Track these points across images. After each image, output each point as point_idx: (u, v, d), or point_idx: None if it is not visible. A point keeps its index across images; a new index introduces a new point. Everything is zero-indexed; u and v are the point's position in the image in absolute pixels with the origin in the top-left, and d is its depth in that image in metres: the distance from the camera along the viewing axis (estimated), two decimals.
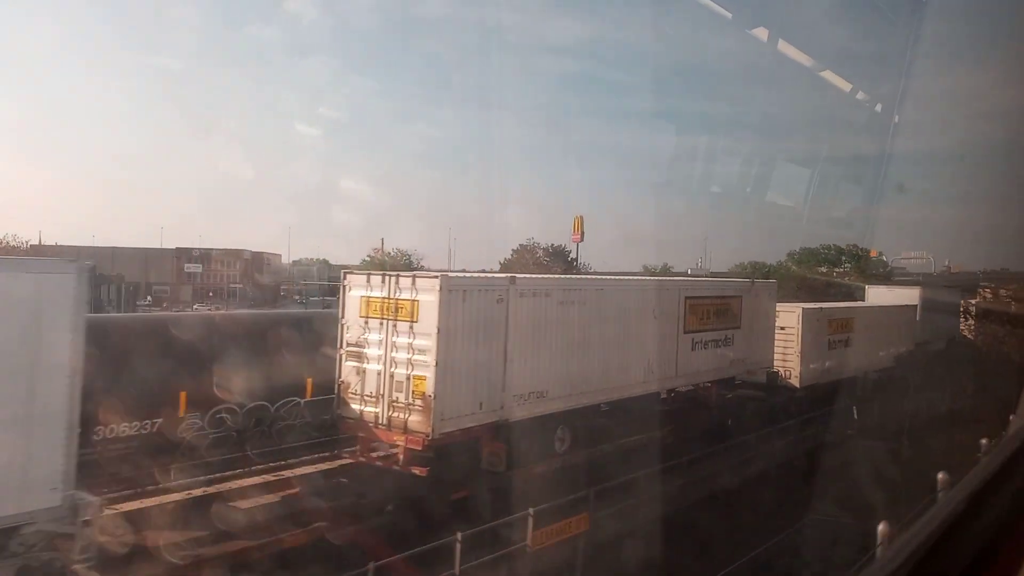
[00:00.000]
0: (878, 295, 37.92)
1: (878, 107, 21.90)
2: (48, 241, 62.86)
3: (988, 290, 36.79)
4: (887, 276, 54.03)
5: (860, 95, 21.04)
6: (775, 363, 24.39)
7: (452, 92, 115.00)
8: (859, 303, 37.09)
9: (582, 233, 64.18)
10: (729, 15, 17.30)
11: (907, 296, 36.07)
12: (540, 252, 48.68)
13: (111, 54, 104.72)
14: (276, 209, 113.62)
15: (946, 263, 63.18)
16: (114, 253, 64.08)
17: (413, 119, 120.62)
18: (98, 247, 65.27)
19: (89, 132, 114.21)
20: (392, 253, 53.98)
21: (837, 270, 53.32)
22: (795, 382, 24.61)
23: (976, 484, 2.68)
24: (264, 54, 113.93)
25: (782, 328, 24.37)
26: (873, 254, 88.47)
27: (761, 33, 16.03)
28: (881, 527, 9.14)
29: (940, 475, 10.77)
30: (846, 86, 19.46)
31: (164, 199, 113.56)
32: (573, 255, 52.61)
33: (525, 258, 47.77)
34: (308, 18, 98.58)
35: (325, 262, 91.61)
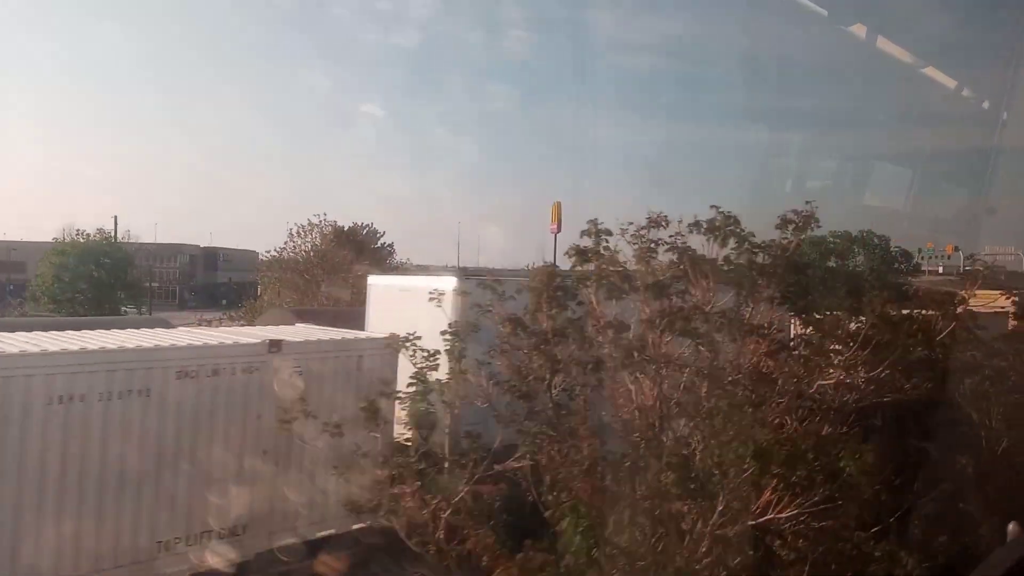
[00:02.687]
0: (387, 296, 16.42)
1: (985, 103, 20.03)
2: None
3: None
4: (910, 271, 46.15)
5: (966, 91, 19.87)
6: None
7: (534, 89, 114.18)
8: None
9: (559, 223, 57.30)
10: (825, 12, 16.90)
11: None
12: (330, 234, 36.02)
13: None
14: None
15: None
16: (39, 248, 58.28)
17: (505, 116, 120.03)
18: (26, 242, 59.95)
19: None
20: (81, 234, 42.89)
21: (848, 264, 45.71)
22: None
23: None
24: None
25: None
26: (949, 250, 79.25)
27: (859, 30, 15.89)
28: (1011, 527, 7.13)
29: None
30: (950, 82, 18.80)
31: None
32: (386, 241, 40.31)
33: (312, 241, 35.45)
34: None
35: None
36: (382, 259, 37.18)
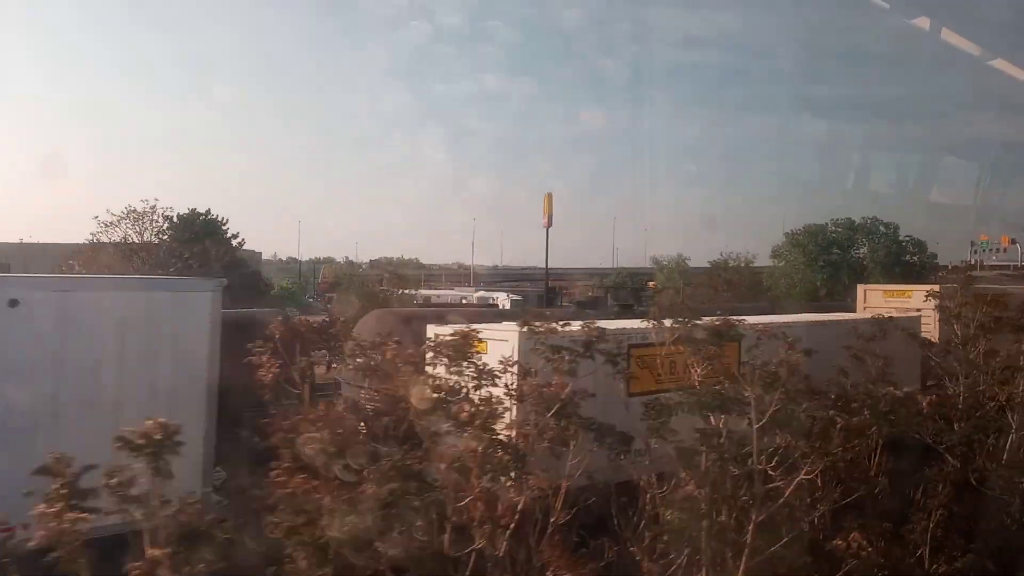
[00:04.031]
0: None
1: None
2: None
3: None
4: (927, 264, 40.26)
5: None
6: None
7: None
8: None
9: (550, 216, 53.00)
10: (887, 5, 18.26)
11: None
12: (161, 222, 31.25)
13: None
14: None
15: None
16: (44, 250, 58.97)
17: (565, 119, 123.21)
18: (30, 244, 60.96)
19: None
20: None
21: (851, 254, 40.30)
22: None
23: None
24: None
25: None
26: (1005, 242, 72.00)
27: (923, 23, 15.92)
28: None
29: None
30: (1021, 73, 18.43)
31: None
32: (234, 233, 35.56)
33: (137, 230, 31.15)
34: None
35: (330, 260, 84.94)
36: (228, 251, 33.40)
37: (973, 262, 74.87)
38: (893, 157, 46.75)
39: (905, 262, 38.84)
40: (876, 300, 19.13)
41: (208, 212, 33.73)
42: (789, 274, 37.85)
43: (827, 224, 39.76)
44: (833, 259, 38.90)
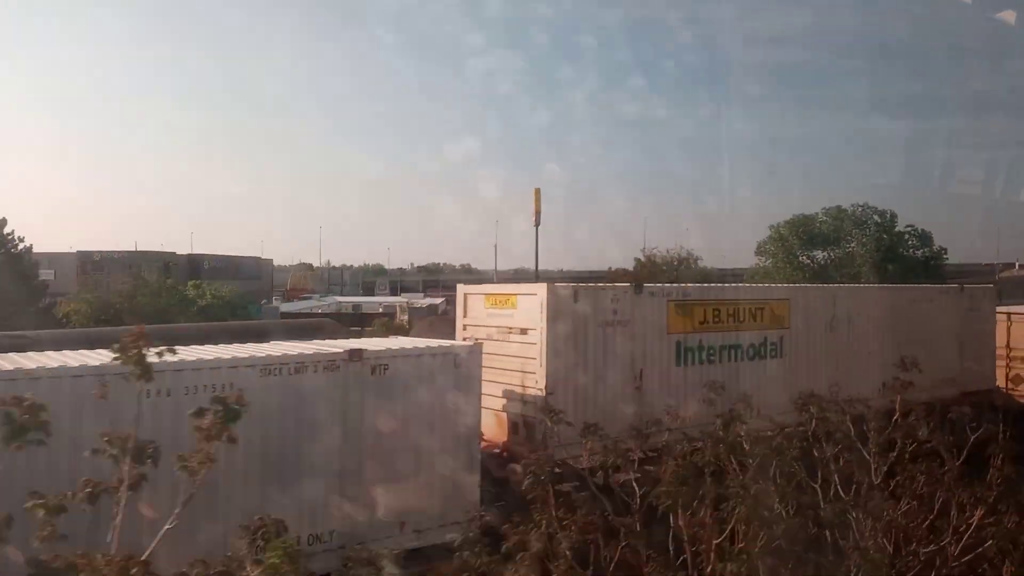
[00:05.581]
0: None
1: None
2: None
3: None
4: (926, 264, 33.98)
5: None
6: None
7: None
8: None
9: (538, 214, 49.43)
10: (969, 0, 17.06)
11: None
12: None
13: None
14: None
15: None
16: None
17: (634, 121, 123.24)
18: None
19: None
20: None
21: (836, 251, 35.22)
22: None
23: None
24: None
25: None
26: None
27: (1009, 16, 15.18)
28: None
29: None
30: None
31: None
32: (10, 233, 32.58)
33: None
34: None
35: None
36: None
37: None
38: (977, 155, 42.32)
39: (903, 256, 33.35)
40: (478, 310, 12.18)
41: None
42: (771, 273, 33.24)
43: (817, 214, 34.81)
44: (820, 254, 34.14)
